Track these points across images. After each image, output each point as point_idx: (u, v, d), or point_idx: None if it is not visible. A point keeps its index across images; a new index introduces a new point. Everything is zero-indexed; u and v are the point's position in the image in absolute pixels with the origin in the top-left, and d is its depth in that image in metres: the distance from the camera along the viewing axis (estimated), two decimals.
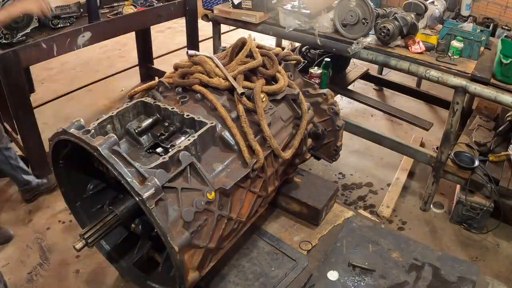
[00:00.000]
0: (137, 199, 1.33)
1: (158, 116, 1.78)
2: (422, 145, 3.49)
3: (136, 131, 1.71)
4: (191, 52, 1.98)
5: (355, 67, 3.85)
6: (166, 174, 1.42)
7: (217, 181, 1.60)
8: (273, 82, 1.99)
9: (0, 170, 2.70)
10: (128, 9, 3.42)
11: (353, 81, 3.79)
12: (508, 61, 2.32)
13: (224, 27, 3.57)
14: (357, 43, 2.72)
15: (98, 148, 1.37)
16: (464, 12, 3.32)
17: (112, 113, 1.71)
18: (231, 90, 1.85)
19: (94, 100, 4.28)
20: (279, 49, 2.14)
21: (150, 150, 1.70)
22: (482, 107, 3.35)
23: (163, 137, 1.71)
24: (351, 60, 3.72)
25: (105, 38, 3.33)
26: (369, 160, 3.42)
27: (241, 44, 2.01)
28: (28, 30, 2.74)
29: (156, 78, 3.24)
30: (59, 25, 2.99)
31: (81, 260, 2.42)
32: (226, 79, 1.84)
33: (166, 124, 1.75)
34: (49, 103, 4.17)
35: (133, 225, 1.70)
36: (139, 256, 1.89)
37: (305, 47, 3.56)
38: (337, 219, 2.27)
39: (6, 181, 3.02)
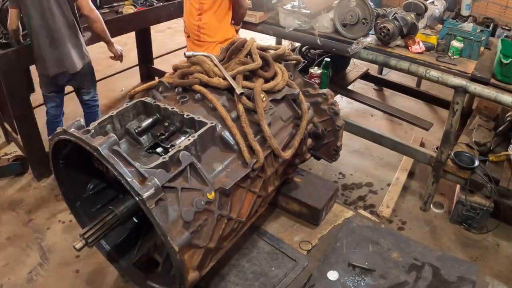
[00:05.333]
0: (137, 199, 1.33)
1: (158, 116, 1.78)
2: (422, 145, 3.49)
3: (136, 131, 1.71)
4: (189, 53, 1.98)
5: (355, 67, 3.85)
6: (166, 174, 1.42)
7: (217, 181, 1.59)
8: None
9: None
10: (128, 9, 3.42)
11: (353, 81, 3.80)
12: (508, 61, 2.32)
13: None
14: (357, 43, 2.72)
15: (98, 148, 1.37)
16: (464, 12, 3.33)
17: (112, 113, 1.71)
18: (231, 89, 1.85)
19: None
20: (283, 47, 2.14)
21: (150, 150, 1.70)
22: (482, 107, 3.35)
23: (163, 137, 1.71)
24: (351, 60, 3.72)
25: None
26: (369, 160, 3.42)
27: (240, 44, 2.01)
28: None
29: (156, 78, 3.24)
30: None
31: (81, 260, 2.42)
32: (225, 78, 1.85)
33: (166, 124, 1.75)
34: None
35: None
36: (139, 256, 1.89)
37: (305, 47, 3.56)
38: (337, 219, 2.27)
39: (6, 181, 3.02)
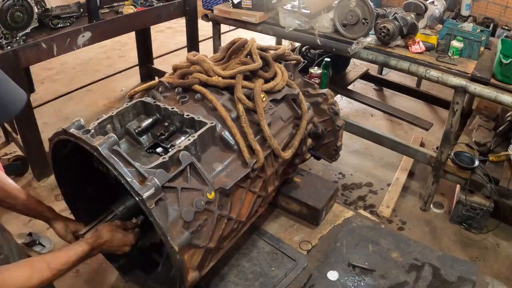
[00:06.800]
0: (137, 199, 1.33)
1: (158, 116, 1.78)
2: (422, 145, 3.49)
3: (136, 131, 1.71)
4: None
5: (355, 67, 3.85)
6: (166, 174, 1.42)
7: (217, 181, 1.60)
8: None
9: None
10: (128, 9, 3.42)
11: (353, 81, 3.79)
12: (508, 61, 2.32)
13: (224, 27, 3.57)
14: (357, 43, 2.72)
15: (98, 148, 1.37)
16: (464, 12, 3.33)
17: (112, 113, 1.71)
18: (230, 88, 1.86)
19: (94, 100, 4.28)
20: (283, 47, 2.14)
21: (150, 150, 1.70)
22: (482, 107, 3.35)
23: (163, 137, 1.71)
24: (351, 60, 3.72)
25: (105, 38, 3.33)
26: (369, 160, 3.42)
27: (241, 44, 2.01)
28: (28, 30, 2.74)
29: (156, 78, 3.25)
30: (59, 25, 2.99)
31: None
32: (225, 77, 1.85)
33: (166, 124, 1.75)
34: (49, 103, 4.17)
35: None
36: (139, 256, 1.89)
37: (305, 47, 3.56)
38: (337, 219, 2.27)
39: None
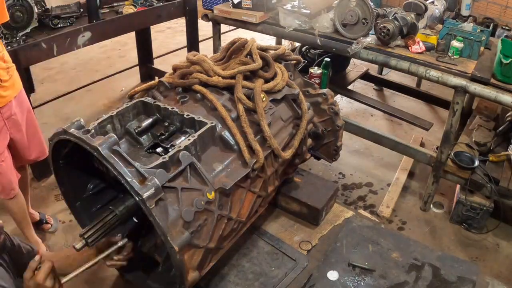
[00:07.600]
0: (137, 198, 1.33)
1: (158, 116, 1.78)
2: (422, 145, 3.49)
3: (136, 131, 1.71)
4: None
5: (355, 67, 3.85)
6: (166, 174, 1.42)
7: (217, 181, 1.60)
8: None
9: None
10: (128, 9, 3.43)
11: (353, 81, 3.79)
12: (508, 61, 2.32)
13: (224, 27, 3.57)
14: (357, 43, 2.72)
15: (98, 148, 1.37)
16: (464, 12, 3.33)
17: (112, 113, 1.71)
18: (230, 89, 1.86)
19: (94, 100, 4.28)
20: (283, 47, 2.14)
21: (150, 150, 1.70)
22: (482, 107, 3.35)
23: (163, 137, 1.71)
24: (351, 60, 3.72)
25: (105, 38, 3.33)
26: (369, 160, 3.42)
27: (241, 44, 2.01)
28: (28, 30, 2.74)
29: (156, 78, 3.25)
30: (59, 25, 2.99)
31: None
32: (225, 77, 1.85)
33: (166, 124, 1.75)
34: (49, 103, 4.17)
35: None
36: (139, 255, 1.89)
37: (305, 47, 3.56)
38: (337, 219, 2.27)
39: None
